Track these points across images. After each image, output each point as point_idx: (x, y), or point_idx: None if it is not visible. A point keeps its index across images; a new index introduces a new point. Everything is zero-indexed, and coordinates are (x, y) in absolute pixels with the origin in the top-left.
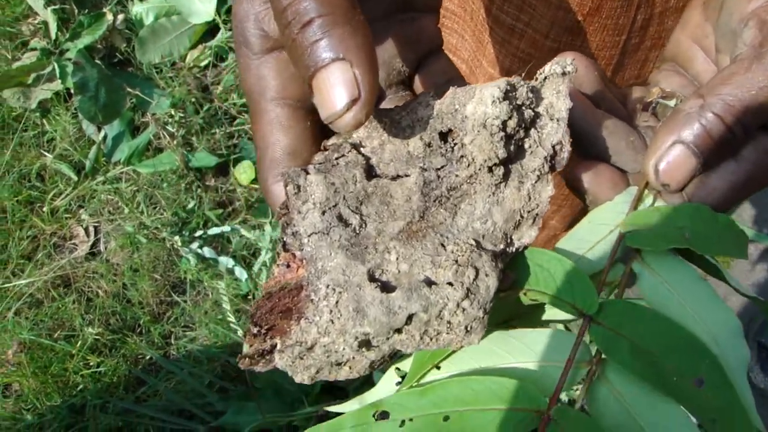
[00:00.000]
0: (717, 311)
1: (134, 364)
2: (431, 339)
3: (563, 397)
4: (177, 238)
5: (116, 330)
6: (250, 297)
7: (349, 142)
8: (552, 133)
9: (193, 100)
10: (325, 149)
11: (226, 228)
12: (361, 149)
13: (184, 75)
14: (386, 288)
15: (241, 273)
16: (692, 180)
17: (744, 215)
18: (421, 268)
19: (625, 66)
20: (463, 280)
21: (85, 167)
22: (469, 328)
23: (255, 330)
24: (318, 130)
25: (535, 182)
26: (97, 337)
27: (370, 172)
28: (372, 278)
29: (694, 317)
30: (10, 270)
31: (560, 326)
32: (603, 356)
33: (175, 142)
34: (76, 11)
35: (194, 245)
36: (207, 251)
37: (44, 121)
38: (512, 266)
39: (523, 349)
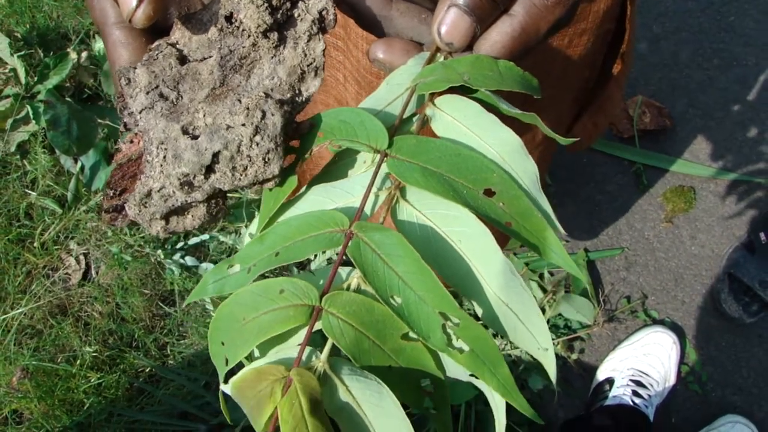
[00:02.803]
0: (501, 134)
1: (134, 377)
2: (241, 174)
3: None
4: (160, 251)
5: (114, 347)
6: None
7: (166, 42)
8: (317, 2)
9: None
10: (150, 51)
11: (205, 236)
12: (176, 45)
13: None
14: (196, 138)
15: None
16: (474, 38)
17: (700, 155)
18: (223, 119)
19: None
20: (253, 120)
21: (67, 199)
22: (266, 159)
23: (111, 193)
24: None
25: (308, 41)
26: (95, 354)
27: (183, 60)
28: (185, 132)
29: (480, 141)
30: (9, 305)
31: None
32: (401, 183)
33: None
34: (42, 55)
35: (176, 256)
36: (189, 260)
37: (25, 162)
38: (318, 122)
39: (341, 194)
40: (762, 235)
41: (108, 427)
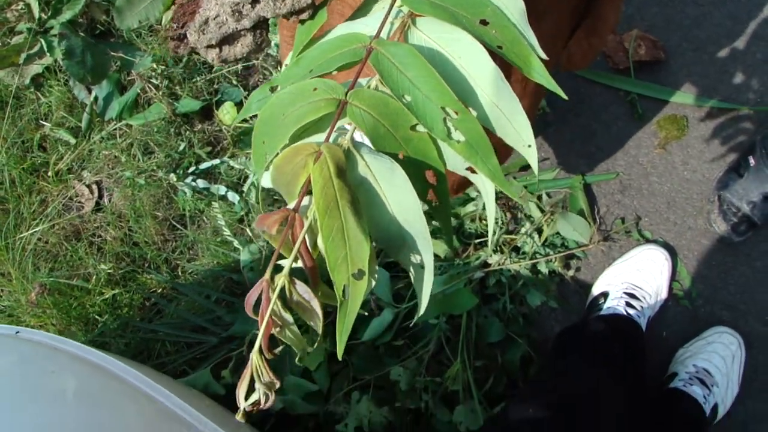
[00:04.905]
0: None
1: (147, 297)
2: (281, 3)
3: None
4: (172, 175)
5: (127, 269)
6: (244, 222)
7: None
8: None
9: (173, 55)
10: None
11: (216, 161)
12: None
13: (163, 36)
14: None
15: (233, 197)
16: None
17: (693, 86)
18: None
19: None
20: None
21: (81, 130)
22: None
23: (174, 26)
24: None
25: None
26: (110, 271)
27: None
28: None
29: None
30: (25, 228)
31: None
32: (412, 14)
33: (160, 93)
34: None
35: (188, 179)
36: (200, 182)
37: (39, 94)
38: None
39: (362, 27)
40: (750, 159)
41: (123, 337)
